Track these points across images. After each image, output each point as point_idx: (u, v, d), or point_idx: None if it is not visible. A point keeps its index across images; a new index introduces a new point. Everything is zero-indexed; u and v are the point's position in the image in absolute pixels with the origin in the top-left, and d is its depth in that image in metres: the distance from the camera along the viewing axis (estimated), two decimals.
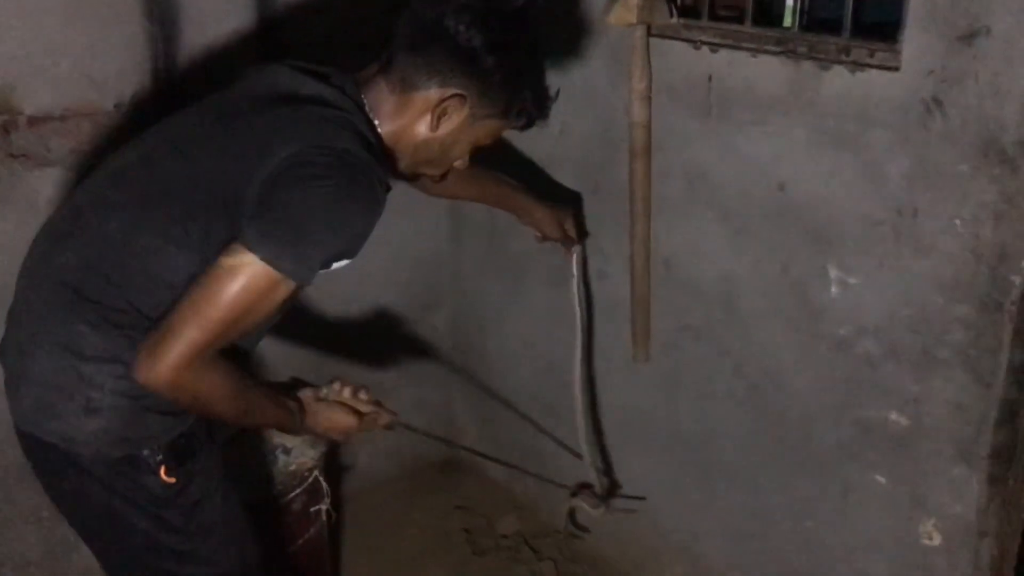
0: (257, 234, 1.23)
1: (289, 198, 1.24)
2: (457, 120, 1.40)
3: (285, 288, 1.26)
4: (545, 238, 2.03)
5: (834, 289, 1.76)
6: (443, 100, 1.38)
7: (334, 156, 1.26)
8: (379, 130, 1.40)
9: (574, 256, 2.04)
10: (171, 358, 1.22)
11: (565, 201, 2.13)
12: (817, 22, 1.75)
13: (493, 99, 1.40)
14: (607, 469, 2.36)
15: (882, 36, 1.62)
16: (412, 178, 1.60)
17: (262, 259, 1.22)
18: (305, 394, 1.54)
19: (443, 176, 1.55)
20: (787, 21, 1.76)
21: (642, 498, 2.25)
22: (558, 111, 2.22)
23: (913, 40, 1.55)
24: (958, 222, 1.57)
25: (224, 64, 2.09)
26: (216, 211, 1.28)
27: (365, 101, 1.39)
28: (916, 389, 1.69)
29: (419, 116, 1.40)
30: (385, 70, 1.41)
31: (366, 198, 1.29)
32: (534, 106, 1.46)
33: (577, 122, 2.20)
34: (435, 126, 1.40)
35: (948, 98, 1.53)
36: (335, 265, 1.35)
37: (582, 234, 2.13)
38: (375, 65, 1.44)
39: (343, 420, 1.56)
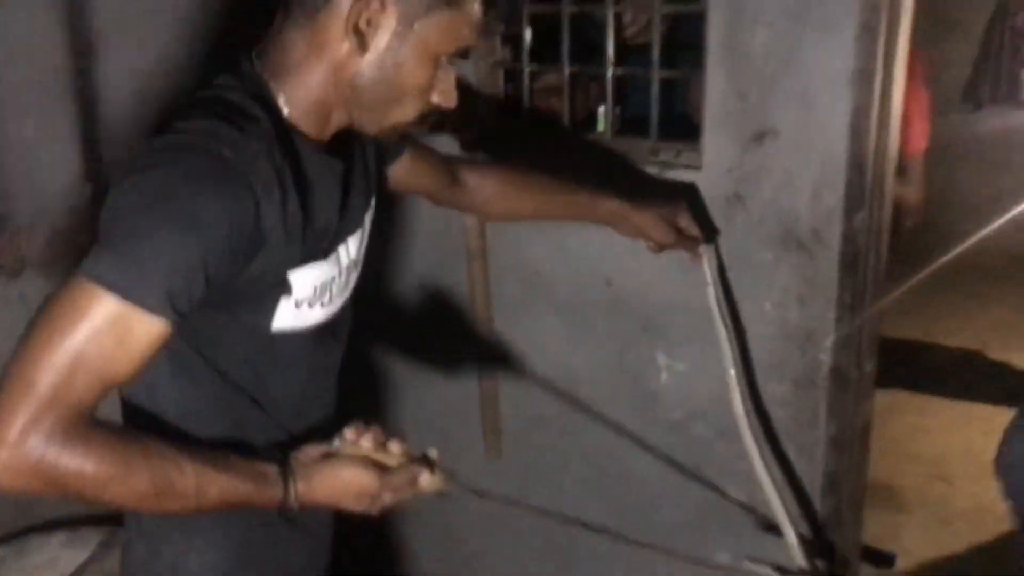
0: (88, 258, 0.95)
1: (110, 204, 0.97)
2: (388, 28, 1.04)
3: (136, 320, 0.92)
4: (661, 247, 1.58)
5: (664, 376, 1.84)
6: (355, 7, 1.02)
7: (160, 145, 0.99)
8: (296, 89, 1.07)
9: (704, 259, 1.59)
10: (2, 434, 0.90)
11: (669, 196, 1.65)
12: (633, 121, 1.87)
13: None
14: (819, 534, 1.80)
15: (688, 136, 1.75)
16: (391, 136, 1.18)
17: (93, 281, 0.93)
18: (302, 452, 1.09)
19: (423, 119, 1.14)
20: (600, 127, 1.86)
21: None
22: (403, 214, 2.28)
23: (712, 141, 1.67)
24: (768, 306, 1.68)
25: None
26: None
27: (263, 63, 1.08)
28: (748, 466, 1.76)
29: (338, 44, 1.04)
30: (287, 11, 1.08)
31: (198, 176, 0.95)
32: None
33: (420, 224, 2.24)
34: (363, 46, 1.04)
35: (747, 192, 1.65)
36: (298, 285, 1.08)
37: (710, 230, 1.68)
38: (279, 14, 1.09)
39: (359, 479, 1.07)
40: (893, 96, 1.54)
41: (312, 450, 1.09)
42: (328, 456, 1.08)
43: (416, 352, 2.34)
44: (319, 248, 1.10)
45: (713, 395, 1.77)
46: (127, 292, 0.92)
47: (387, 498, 1.10)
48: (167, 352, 1.00)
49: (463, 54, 1.10)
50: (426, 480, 1.13)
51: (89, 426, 0.93)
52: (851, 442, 1.71)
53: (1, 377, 0.92)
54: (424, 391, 2.32)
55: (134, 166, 0.97)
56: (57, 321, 0.92)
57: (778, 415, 1.71)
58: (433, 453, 1.16)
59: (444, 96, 1.11)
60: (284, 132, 1.05)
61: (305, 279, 1.09)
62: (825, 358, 1.64)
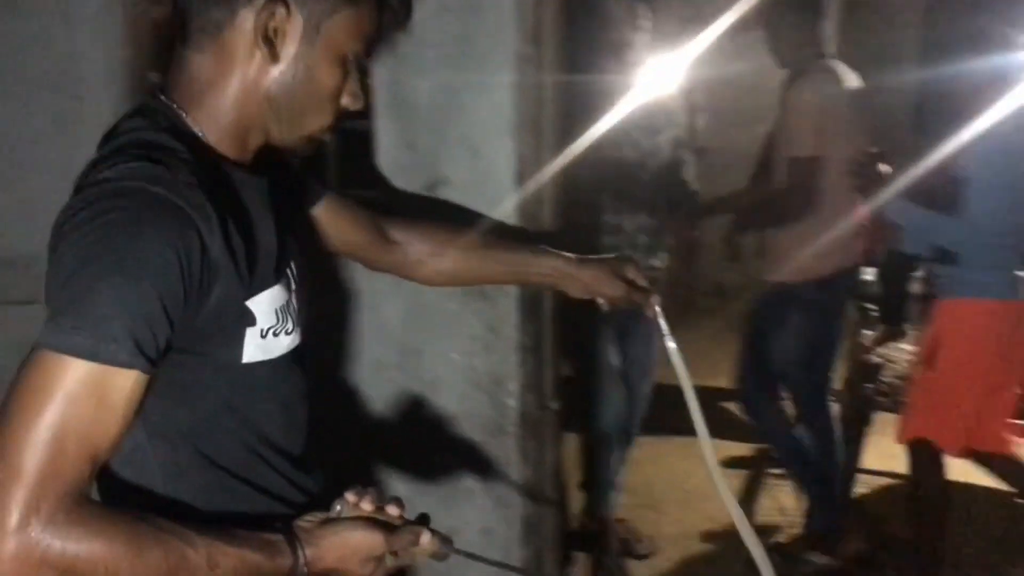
0: (45, 328, 0.91)
1: (53, 273, 0.94)
2: (296, 34, 1.04)
3: (109, 378, 0.91)
4: (612, 302, 1.47)
5: None
6: (260, 17, 1.02)
7: (88, 198, 0.96)
8: (210, 112, 1.06)
9: (658, 309, 1.45)
10: None
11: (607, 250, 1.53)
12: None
13: None
14: None
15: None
16: (309, 148, 1.15)
17: (56, 351, 0.90)
18: (305, 520, 1.08)
19: (335, 126, 1.13)
20: None
21: None
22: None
23: (388, 190, 1.64)
24: (455, 356, 1.66)
25: None
26: None
27: (170, 95, 1.06)
28: (450, 521, 1.72)
29: (248, 59, 1.04)
30: (185, 39, 1.06)
31: (134, 219, 0.94)
32: None
33: None
34: (273, 56, 1.04)
35: None
36: (260, 312, 1.04)
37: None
38: (177, 45, 1.08)
39: (366, 541, 1.05)
40: (553, 144, 1.59)
41: (315, 516, 1.07)
42: (331, 521, 1.07)
43: None
44: (269, 271, 1.08)
45: None
46: (93, 353, 0.90)
47: (390, 561, 1.07)
48: (141, 418, 0.98)
49: (367, 52, 1.10)
50: (427, 540, 1.10)
51: (90, 507, 0.91)
52: (547, 485, 1.73)
53: None
54: None
55: (64, 229, 0.94)
56: (31, 400, 0.89)
57: (473, 465, 1.69)
58: (428, 517, 1.14)
59: (353, 98, 1.10)
60: (205, 159, 1.03)
61: (266, 305, 1.07)
62: (512, 403, 1.64)
